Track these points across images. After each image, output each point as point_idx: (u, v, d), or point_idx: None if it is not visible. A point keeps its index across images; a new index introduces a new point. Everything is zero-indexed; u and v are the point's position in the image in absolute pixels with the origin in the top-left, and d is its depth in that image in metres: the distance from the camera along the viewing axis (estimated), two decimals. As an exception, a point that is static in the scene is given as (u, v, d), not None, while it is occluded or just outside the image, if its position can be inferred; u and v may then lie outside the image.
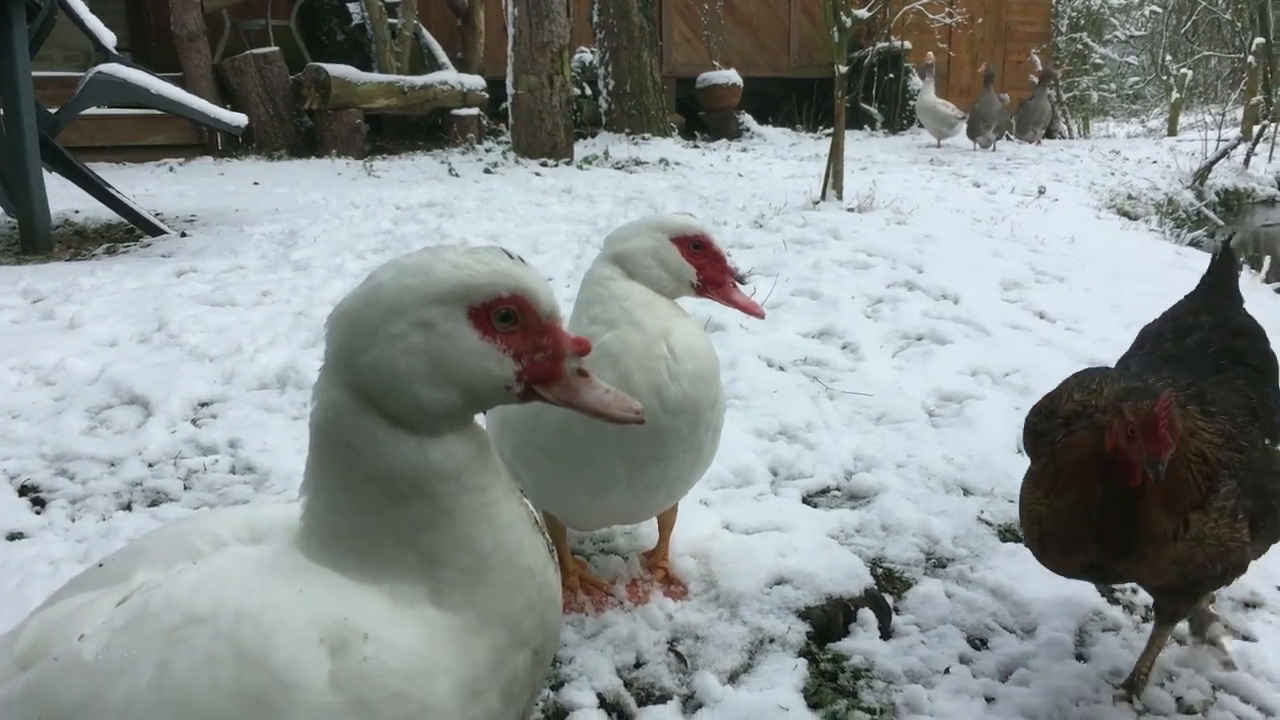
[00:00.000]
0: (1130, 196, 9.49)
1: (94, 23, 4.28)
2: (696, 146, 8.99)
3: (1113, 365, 1.63)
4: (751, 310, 1.34)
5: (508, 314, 0.78)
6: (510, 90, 7.37)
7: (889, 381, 2.27)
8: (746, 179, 7.26)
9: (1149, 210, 9.46)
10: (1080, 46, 16.27)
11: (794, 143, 12.09)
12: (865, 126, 13.61)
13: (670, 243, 1.29)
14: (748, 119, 12.26)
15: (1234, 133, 15.94)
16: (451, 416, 0.80)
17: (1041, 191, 7.12)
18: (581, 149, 7.89)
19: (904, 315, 2.86)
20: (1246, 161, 12.28)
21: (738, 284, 1.34)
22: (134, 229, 4.38)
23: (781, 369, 2.32)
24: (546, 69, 7.18)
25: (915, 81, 14.36)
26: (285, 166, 8.03)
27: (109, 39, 4.30)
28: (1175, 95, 18.00)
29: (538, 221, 4.42)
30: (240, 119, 4.41)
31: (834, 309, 2.82)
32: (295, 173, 7.52)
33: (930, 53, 12.68)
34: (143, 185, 6.34)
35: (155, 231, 4.27)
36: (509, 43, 7.35)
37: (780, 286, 3.14)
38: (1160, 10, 17.17)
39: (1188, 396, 1.41)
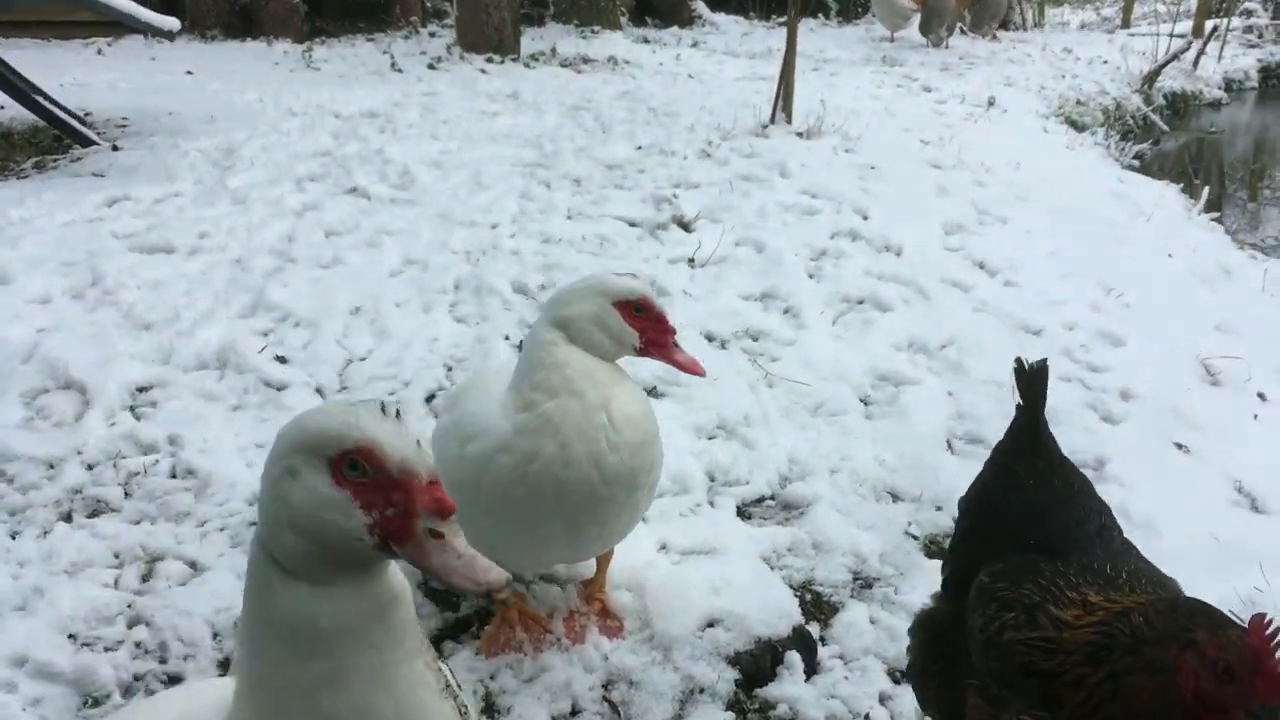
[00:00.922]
0: (1079, 102, 9.50)
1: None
2: (647, 42, 8.79)
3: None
4: (693, 370, 1.36)
5: (355, 463, 0.78)
6: (456, -21, 7.13)
7: (828, 360, 2.30)
8: (697, 81, 7.15)
9: (1096, 118, 9.49)
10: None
11: (746, 33, 11.89)
12: (819, 15, 13.38)
13: (612, 307, 1.31)
14: (700, 6, 12.02)
15: (1187, 25, 15.92)
16: (328, 566, 0.80)
17: (991, 103, 7.10)
18: (529, 42, 7.70)
19: (846, 273, 2.89)
20: (1195, 63, 12.28)
21: (676, 345, 1.36)
22: (63, 136, 4.23)
23: (723, 345, 2.35)
24: (494, -41, 6.95)
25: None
26: (219, 51, 7.77)
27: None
28: (1130, -12, 17.83)
29: (483, 142, 4.34)
30: (173, 23, 4.23)
31: (777, 268, 2.84)
32: (230, 59, 7.28)
33: None
34: (70, 72, 6.11)
35: (86, 142, 4.14)
36: (455, -71, 7.08)
37: (726, 236, 3.14)
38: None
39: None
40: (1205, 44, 12.69)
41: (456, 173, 3.70)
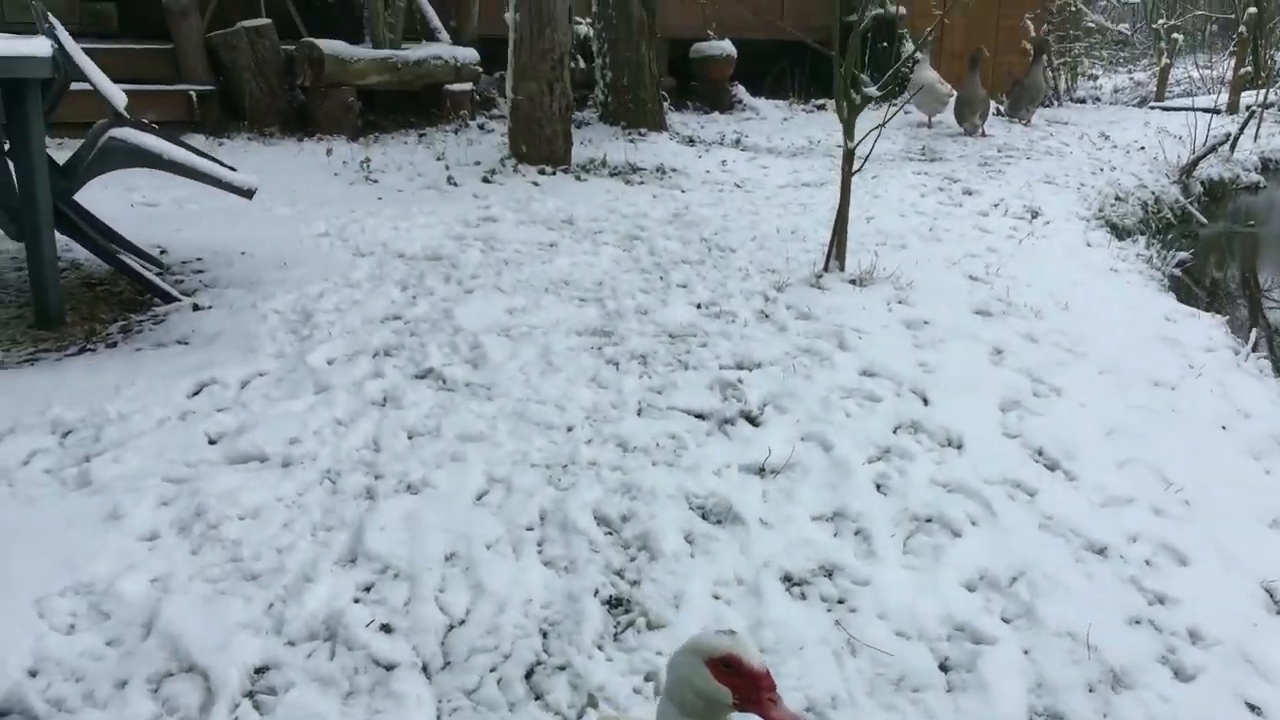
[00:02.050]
0: (1118, 198, 9.60)
1: (106, 85, 4.25)
2: (692, 144, 8.96)
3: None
4: (794, 725, 1.42)
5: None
6: (510, 95, 7.32)
7: (904, 606, 2.38)
8: (743, 192, 7.31)
9: (1136, 213, 9.59)
10: (1072, 11, 16.16)
11: (786, 118, 12.10)
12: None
13: (704, 666, 1.38)
14: (741, 91, 12.23)
15: (1223, 98, 15.98)
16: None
17: (1034, 215, 7.19)
18: (579, 147, 7.86)
19: (912, 483, 2.97)
20: (1233, 147, 12.33)
21: (776, 700, 1.42)
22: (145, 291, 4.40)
23: (801, 591, 2.43)
24: (547, 76, 7.14)
25: (908, 49, 14.29)
26: (279, 153, 7.99)
27: (120, 100, 4.26)
28: (1165, 60, 17.94)
29: (546, 297, 4.47)
30: (253, 182, 4.40)
31: (846, 480, 2.92)
32: (290, 166, 7.49)
33: (929, 28, 12.57)
34: (137, 182, 6.32)
35: (168, 298, 4.30)
36: (509, 47, 7.28)
37: (791, 430, 3.24)
38: (1158, -22, 17.03)
39: None
40: (1243, 128, 12.74)
41: (526, 346, 3.81)
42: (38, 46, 3.79)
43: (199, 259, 5.03)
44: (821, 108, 12.78)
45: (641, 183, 7.32)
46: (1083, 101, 18.49)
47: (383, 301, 4.33)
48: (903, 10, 13.92)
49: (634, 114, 8.51)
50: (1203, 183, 11.55)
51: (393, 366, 3.64)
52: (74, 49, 4.22)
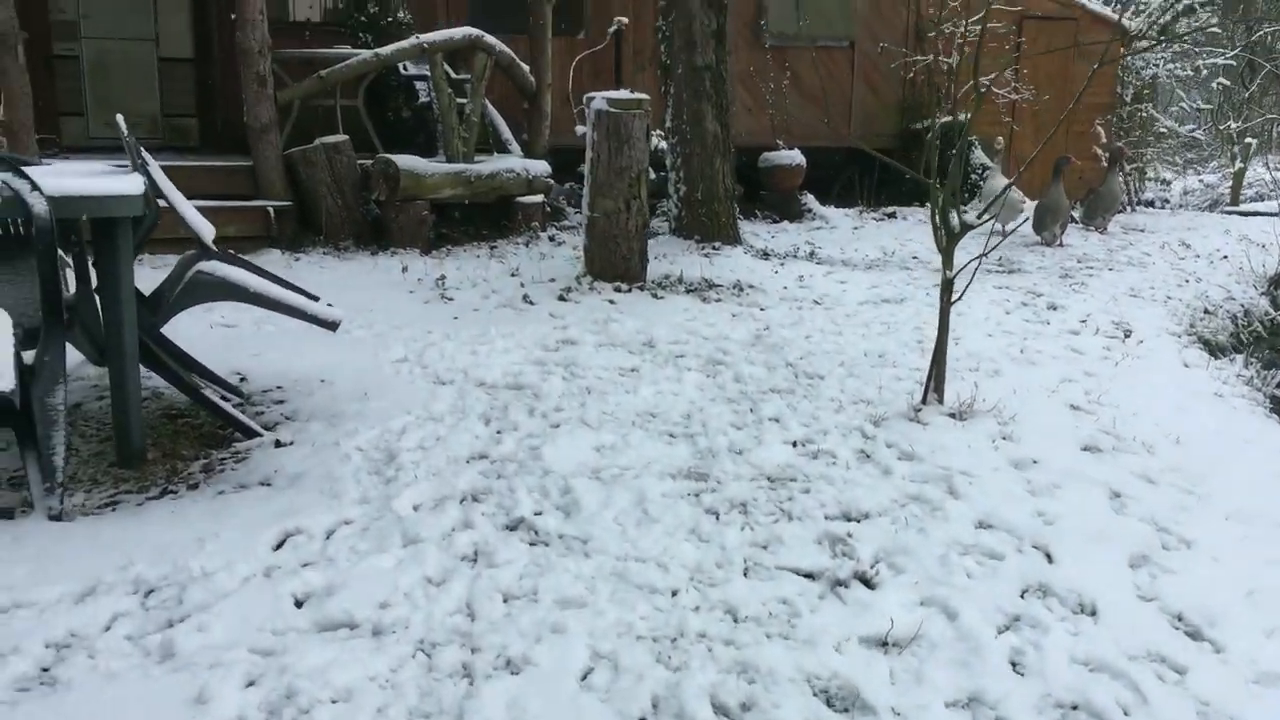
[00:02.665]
0: (1207, 311, 9.34)
1: (194, 218, 4.22)
2: (767, 258, 8.86)
3: None
4: None
5: None
6: (586, 213, 7.28)
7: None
8: (823, 310, 7.15)
9: (1226, 326, 9.31)
10: (1144, 116, 16.04)
11: (856, 226, 12.02)
12: (928, 204, 13.40)
13: None
14: (810, 200, 12.19)
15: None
16: None
17: (1127, 335, 6.95)
18: (653, 259, 7.77)
19: (1049, 661, 2.72)
20: (1319, 254, 11.96)
21: None
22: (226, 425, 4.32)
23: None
24: (624, 194, 7.09)
25: (978, 156, 14.22)
26: (354, 268, 8.01)
27: (208, 233, 4.23)
28: (1239, 165, 17.71)
29: (635, 432, 4.30)
30: (338, 315, 4.33)
31: (977, 657, 2.69)
32: (366, 282, 7.48)
33: (1000, 136, 12.55)
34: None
35: (249, 433, 4.21)
36: (586, 164, 7.26)
37: (909, 593, 3.02)
38: (1228, 84, 16.89)
39: None
40: (1329, 235, 12.37)
41: (619, 491, 3.64)
42: (130, 184, 3.77)
43: (278, 387, 4.95)
44: (891, 215, 12.69)
45: (718, 300, 7.20)
46: (1151, 204, 18.25)
47: (467, 438, 4.20)
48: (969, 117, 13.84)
49: (707, 228, 8.44)
50: (1287, 291, 11.22)
51: (481, 514, 3.48)
52: (164, 182, 4.22)
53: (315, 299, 4.67)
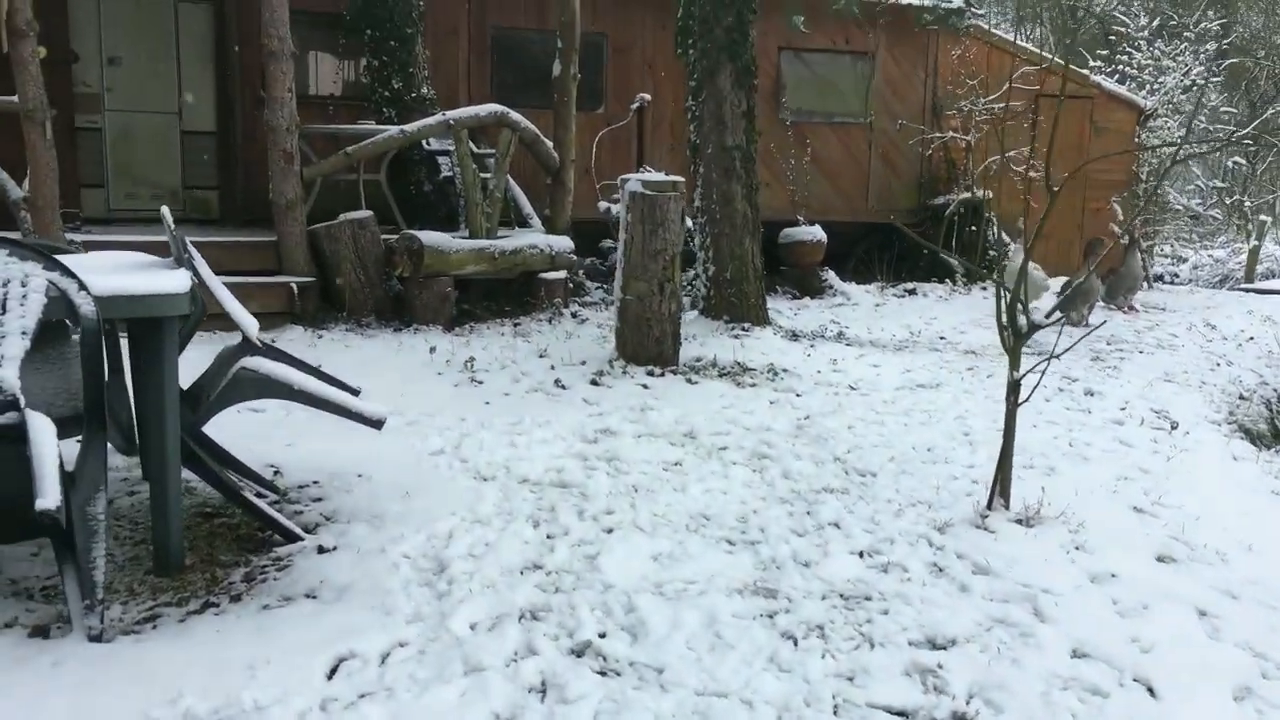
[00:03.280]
0: (1242, 397, 9.22)
1: (238, 312, 4.08)
2: (796, 339, 8.73)
3: None
4: None
5: None
6: (619, 294, 7.16)
7: None
8: (860, 395, 7.01)
9: (1261, 412, 9.18)
10: (1158, 194, 16.04)
11: (878, 303, 11.93)
12: (946, 280, 13.40)
13: None
14: (830, 276, 12.11)
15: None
16: None
17: (1174, 426, 6.79)
18: (684, 341, 7.62)
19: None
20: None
21: None
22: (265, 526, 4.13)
23: None
24: (658, 276, 6.98)
25: (996, 232, 14.17)
26: (379, 347, 7.87)
27: (252, 328, 4.08)
28: (1254, 241, 17.70)
29: (692, 544, 4.12)
30: (383, 413, 4.17)
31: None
32: (393, 362, 7.34)
33: (1022, 216, 12.50)
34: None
35: (289, 536, 4.02)
36: (619, 245, 7.15)
37: (1013, 735, 2.82)
38: (1243, 163, 16.94)
39: None
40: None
41: (686, 610, 3.45)
42: (177, 282, 3.63)
43: (315, 482, 4.78)
44: (912, 292, 12.59)
45: (753, 384, 7.05)
46: (1160, 278, 18.22)
47: (517, 544, 4.02)
48: (989, 194, 13.88)
49: (737, 308, 8.32)
50: (1319, 374, 11.11)
51: (544, 636, 3.29)
52: (209, 276, 4.08)
53: (356, 392, 4.52)
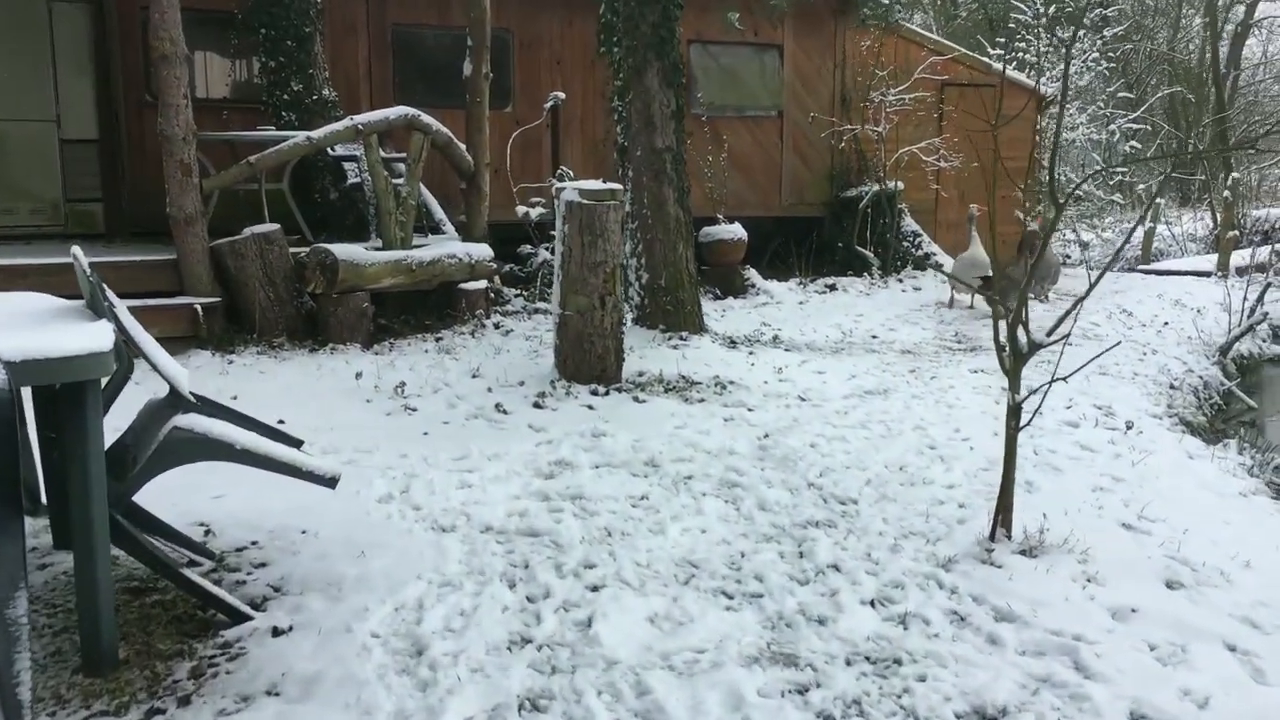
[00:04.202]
0: (1173, 386, 9.29)
1: (167, 364, 3.58)
2: (734, 345, 8.43)
3: None
4: None
5: None
6: (557, 310, 6.76)
7: None
8: (812, 408, 6.77)
9: (1192, 400, 9.29)
10: (1063, 180, 16.22)
11: (801, 300, 11.77)
12: (865, 274, 13.29)
13: None
14: (753, 274, 11.89)
15: (1197, 260, 15.99)
16: None
17: (1129, 427, 6.71)
18: (627, 353, 7.26)
19: None
20: (1250, 316, 12.09)
21: None
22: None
23: None
24: (599, 290, 6.60)
25: (909, 223, 14.14)
26: (298, 371, 7.34)
27: (183, 382, 3.59)
28: (1149, 224, 18.06)
29: (688, 599, 3.77)
30: (336, 470, 3.72)
31: None
32: (315, 388, 6.83)
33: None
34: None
35: (235, 616, 3.55)
36: (556, 259, 6.75)
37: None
38: (1139, 146, 17.26)
39: None
40: (1261, 296, 12.57)
41: (705, 690, 3.10)
42: (100, 337, 3.12)
43: (254, 542, 4.29)
44: (832, 288, 12.45)
45: (701, 399, 6.73)
46: (1066, 259, 18.49)
47: (497, 612, 3.62)
48: (901, 185, 13.81)
49: (673, 316, 7.99)
50: (1235, 360, 11.29)
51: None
52: (133, 326, 3.57)
53: (299, 444, 4.06)
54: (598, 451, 5.55)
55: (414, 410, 6.38)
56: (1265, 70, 33.63)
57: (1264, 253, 16.70)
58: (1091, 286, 4.33)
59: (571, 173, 10.68)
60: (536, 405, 6.42)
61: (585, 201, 6.54)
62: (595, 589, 3.83)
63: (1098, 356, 4.83)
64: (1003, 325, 4.35)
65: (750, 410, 6.56)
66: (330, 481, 3.75)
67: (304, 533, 4.36)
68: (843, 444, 5.88)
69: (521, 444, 5.67)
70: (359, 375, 6.94)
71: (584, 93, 12.17)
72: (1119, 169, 15.61)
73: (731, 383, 7.16)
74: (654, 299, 8.23)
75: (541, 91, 11.80)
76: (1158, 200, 17.58)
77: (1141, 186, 18.20)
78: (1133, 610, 3.77)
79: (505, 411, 6.30)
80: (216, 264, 8.13)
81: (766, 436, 5.95)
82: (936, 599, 3.77)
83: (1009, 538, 4.25)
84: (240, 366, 7.40)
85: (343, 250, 8.25)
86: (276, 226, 8.39)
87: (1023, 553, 4.17)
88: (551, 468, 5.27)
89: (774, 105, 13.82)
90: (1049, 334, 4.29)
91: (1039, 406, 4.52)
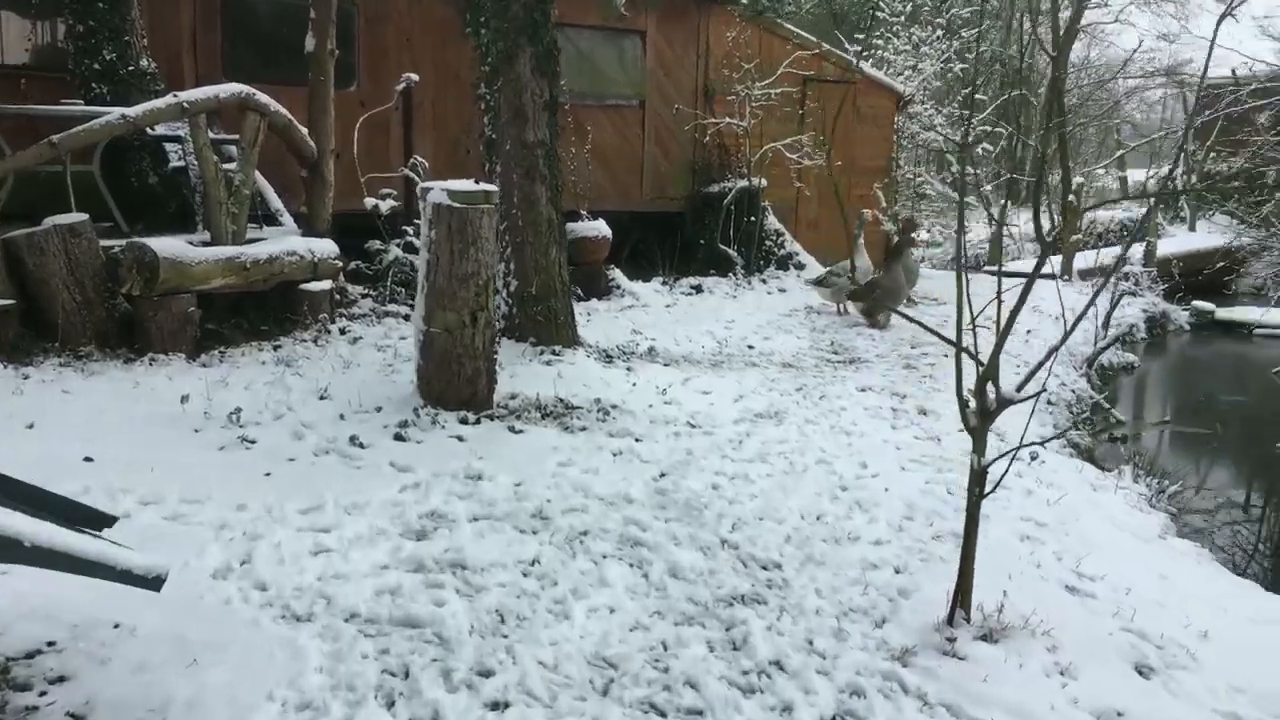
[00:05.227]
0: (1050, 402, 9.15)
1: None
2: (610, 360, 7.75)
3: None
4: None
5: None
6: (421, 326, 5.94)
7: None
8: (704, 435, 6.21)
9: (1069, 416, 9.18)
10: (919, 180, 16.18)
11: (669, 304, 11.21)
12: (729, 274, 12.80)
13: None
14: (618, 275, 11.22)
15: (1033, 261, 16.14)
16: None
17: (1033, 458, 6.36)
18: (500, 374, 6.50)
19: None
20: (1106, 324, 12.17)
21: None
22: None
23: None
24: (470, 304, 5.82)
25: (772, 221, 13.75)
26: (108, 391, 6.29)
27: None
28: (994, 227, 18.22)
29: None
30: (162, 568, 2.87)
31: None
32: (128, 414, 5.83)
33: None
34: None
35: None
36: (420, 269, 5.93)
37: None
38: (991, 149, 17.38)
39: None
40: (1115, 304, 12.70)
41: None
42: None
43: (51, 644, 3.38)
44: (698, 289, 11.93)
45: (584, 428, 6.04)
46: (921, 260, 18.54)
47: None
48: (764, 183, 13.39)
49: (544, 328, 7.25)
50: (1096, 370, 11.32)
51: None
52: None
53: (111, 522, 3.19)
54: (476, 500, 4.79)
55: (252, 443, 5.45)
56: (1086, 74, 35.00)
57: (1108, 255, 17.09)
58: (1065, 336, 3.82)
59: (426, 163, 9.78)
60: (398, 437, 5.60)
61: (456, 205, 5.72)
62: (496, 707, 3.10)
63: (1037, 396, 4.31)
64: (968, 372, 3.78)
65: (638, 441, 5.90)
66: (155, 583, 2.89)
67: (117, 627, 3.46)
68: (747, 484, 5.30)
69: (385, 489, 4.85)
70: (185, 399, 5.93)
71: (437, 76, 11.23)
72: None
73: (614, 406, 6.48)
74: (524, 309, 7.47)
75: (389, 71, 10.81)
76: (1004, 202, 17.74)
77: (988, 187, 18.35)
78: (1119, 715, 3.29)
79: (362, 445, 5.45)
80: (11, 260, 6.93)
81: (663, 476, 5.31)
82: (907, 713, 3.19)
83: (968, 620, 3.72)
84: (38, 383, 6.26)
85: (164, 245, 7.16)
86: (84, 217, 7.21)
87: (984, 638, 3.65)
88: (424, 523, 4.49)
89: (636, 94, 13.17)
90: (1018, 389, 3.75)
91: (1001, 478, 4.00)
